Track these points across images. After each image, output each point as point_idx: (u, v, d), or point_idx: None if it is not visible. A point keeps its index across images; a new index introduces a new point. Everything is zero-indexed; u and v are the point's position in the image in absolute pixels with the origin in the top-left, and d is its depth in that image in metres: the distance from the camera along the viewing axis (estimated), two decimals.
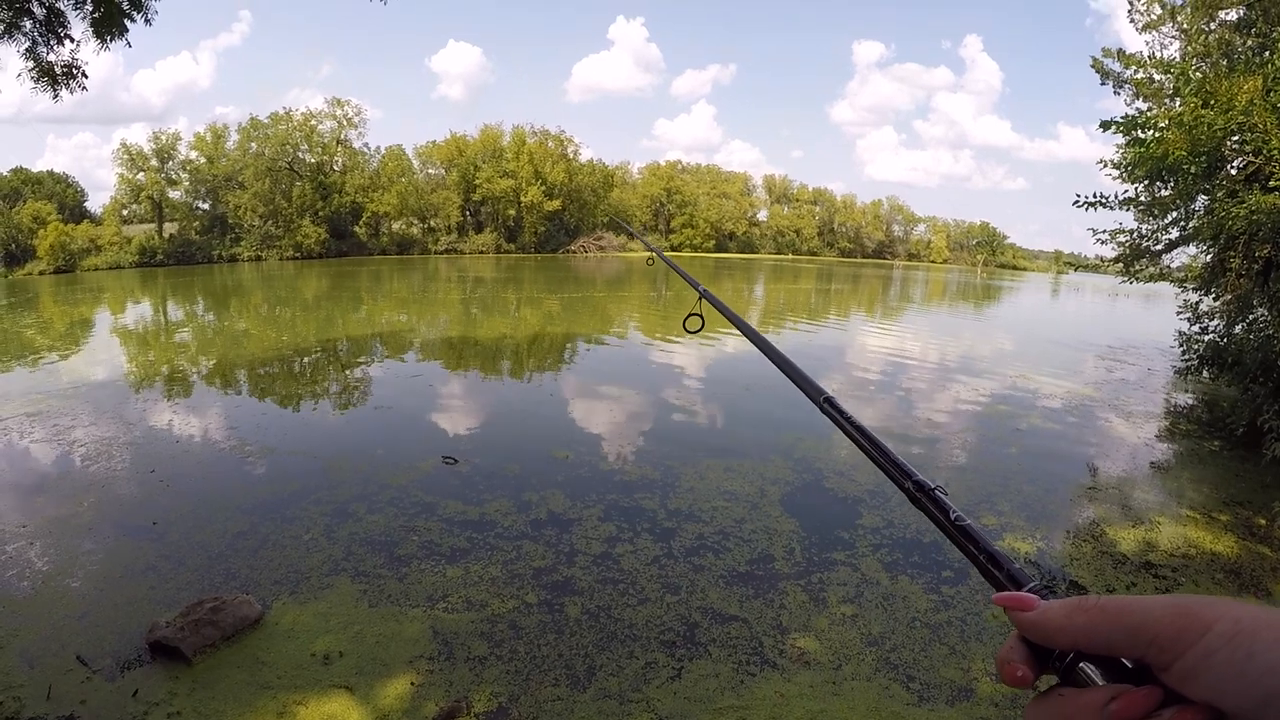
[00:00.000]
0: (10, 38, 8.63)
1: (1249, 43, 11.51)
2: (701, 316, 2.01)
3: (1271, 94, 8.05)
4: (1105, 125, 9.70)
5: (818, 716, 4.32)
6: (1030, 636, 0.54)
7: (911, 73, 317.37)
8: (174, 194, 60.42)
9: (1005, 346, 22.80)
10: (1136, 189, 11.37)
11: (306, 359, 15.80)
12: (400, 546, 6.32)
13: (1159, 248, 13.25)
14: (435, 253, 69.85)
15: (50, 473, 8.22)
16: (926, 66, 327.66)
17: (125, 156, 58.14)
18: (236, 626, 4.87)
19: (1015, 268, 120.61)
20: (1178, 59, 11.78)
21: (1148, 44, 13.61)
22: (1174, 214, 11.88)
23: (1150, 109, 11.37)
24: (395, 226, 71.32)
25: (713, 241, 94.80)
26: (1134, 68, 12.16)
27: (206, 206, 62.41)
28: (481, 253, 71.25)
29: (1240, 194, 8.84)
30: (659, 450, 9.44)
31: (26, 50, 8.86)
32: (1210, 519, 7.71)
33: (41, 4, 8.74)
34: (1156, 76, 11.89)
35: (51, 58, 9.06)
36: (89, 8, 8.72)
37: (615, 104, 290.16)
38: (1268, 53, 9.12)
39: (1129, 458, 10.14)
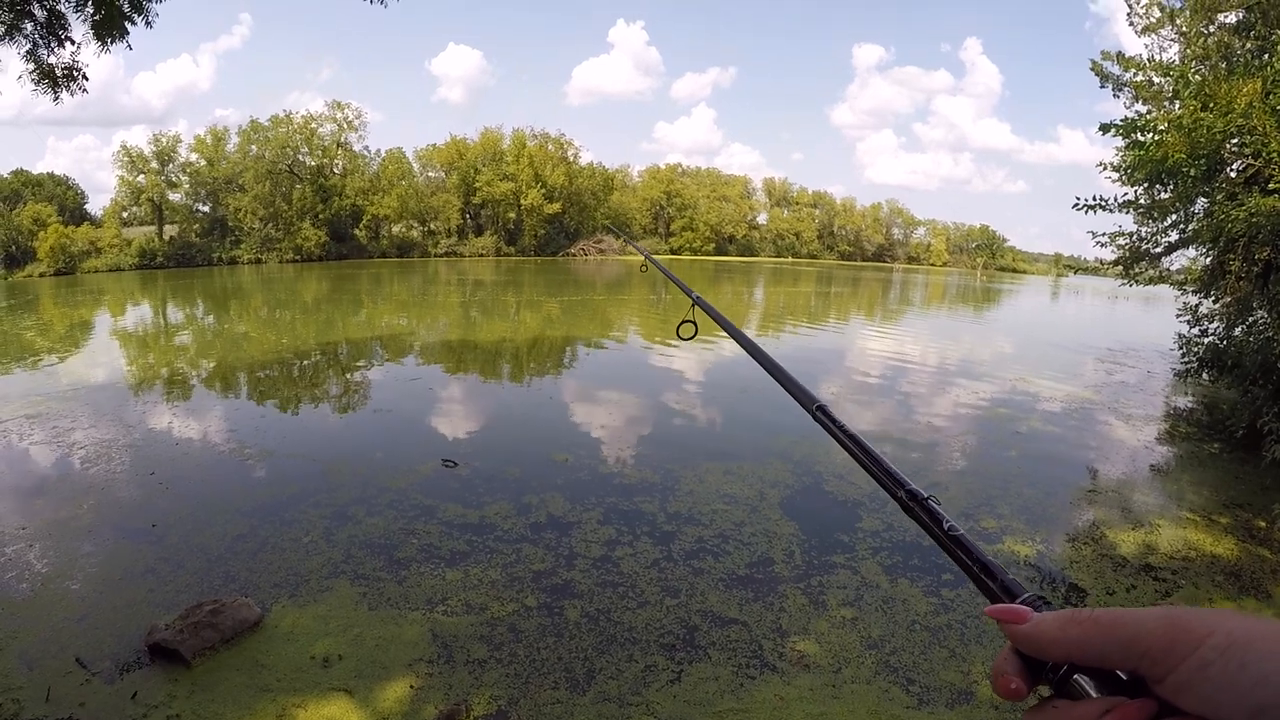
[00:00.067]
0: (11, 40, 8.64)
1: (1248, 45, 11.52)
2: (695, 323, 2.00)
3: (1271, 97, 8.06)
4: (1105, 128, 9.71)
5: None
6: (1024, 649, 0.54)
7: (911, 76, 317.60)
8: (174, 196, 60.49)
9: (1005, 349, 22.80)
10: (1136, 192, 11.38)
11: (306, 362, 15.80)
12: (400, 549, 6.32)
13: (1158, 250, 13.24)
14: (435, 256, 69.93)
15: (50, 475, 8.22)
16: (926, 69, 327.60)
17: (125, 159, 58.22)
18: (236, 629, 4.86)
19: (1015, 271, 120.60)
20: (1177, 62, 11.80)
21: (1147, 47, 13.60)
22: (1173, 217, 11.88)
23: (1150, 112, 11.36)
24: (395, 229, 71.40)
25: (713, 245, 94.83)
26: (1133, 70, 12.18)
27: (206, 209, 62.48)
28: (481, 256, 71.31)
29: (1240, 196, 8.85)
30: (658, 453, 9.44)
31: (27, 52, 8.86)
32: (1210, 521, 7.70)
33: (42, 6, 8.75)
34: (1156, 79, 11.91)
35: (52, 60, 9.07)
36: (89, 10, 8.71)
37: (615, 107, 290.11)
38: (1267, 55, 9.14)
39: (1129, 460, 10.14)
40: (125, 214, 60.90)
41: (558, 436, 10.14)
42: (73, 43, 9.06)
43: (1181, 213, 11.59)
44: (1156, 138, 9.26)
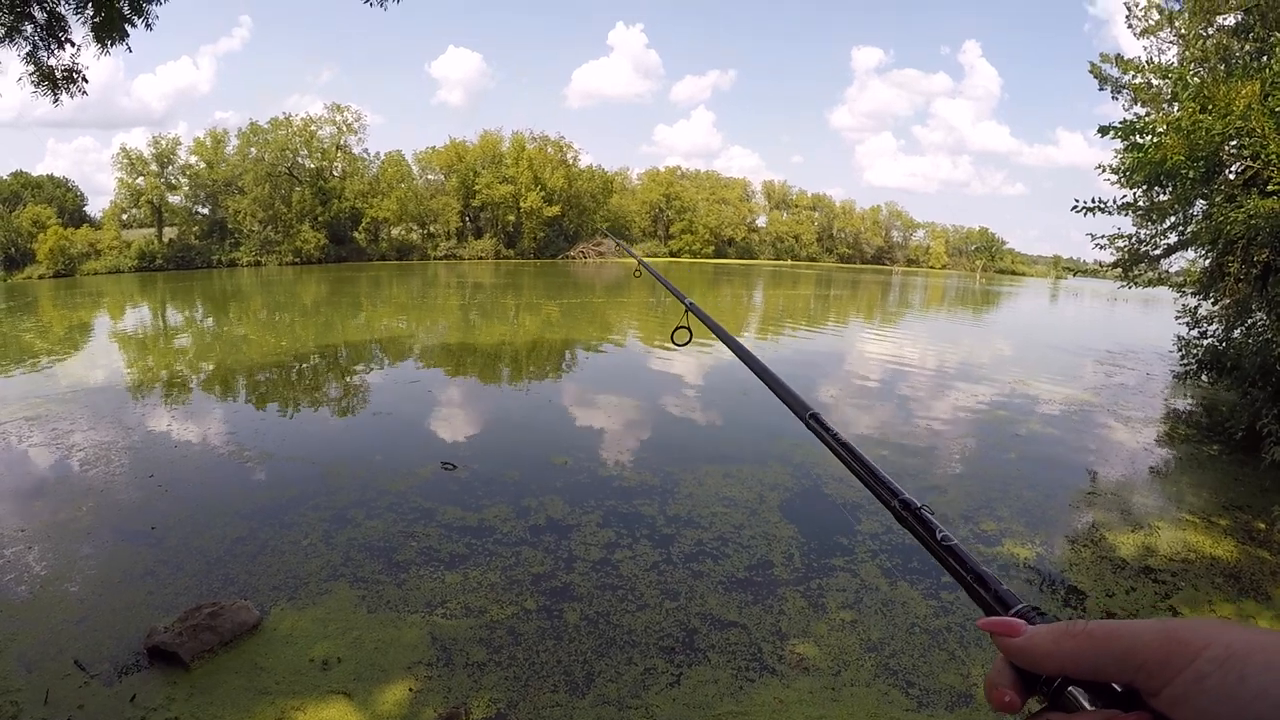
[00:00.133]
0: (11, 42, 8.65)
1: (1247, 48, 11.54)
2: (689, 329, 2.01)
3: (1269, 98, 8.06)
4: (1103, 130, 9.71)
5: None
6: (1017, 662, 0.54)
7: (910, 78, 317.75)
8: (173, 199, 60.55)
9: (1004, 352, 22.80)
10: (1135, 194, 11.38)
11: (305, 365, 15.80)
12: (399, 552, 6.31)
13: (1157, 252, 13.24)
14: (435, 258, 69.96)
15: (49, 477, 8.21)
16: (925, 72, 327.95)
17: (125, 161, 58.31)
18: (235, 632, 4.85)
19: (1014, 273, 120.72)
20: (1176, 64, 11.81)
21: (1146, 49, 13.59)
22: (1172, 219, 11.88)
23: (1148, 114, 11.37)
24: (395, 232, 71.48)
25: (712, 247, 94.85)
26: (1132, 73, 12.17)
27: (206, 211, 62.57)
28: (481, 258, 71.37)
29: (1238, 199, 8.85)
30: (657, 456, 9.44)
31: (27, 54, 8.87)
32: (1209, 523, 7.70)
33: (42, 8, 8.76)
34: (1155, 81, 11.90)
35: (52, 62, 9.08)
36: (89, 12, 8.72)
37: (615, 110, 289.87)
38: (1265, 57, 9.15)
39: (1128, 463, 10.14)
40: (125, 216, 60.99)
41: (557, 439, 10.14)
42: (72, 45, 9.09)
43: (1180, 215, 11.59)
44: (1155, 140, 9.26)
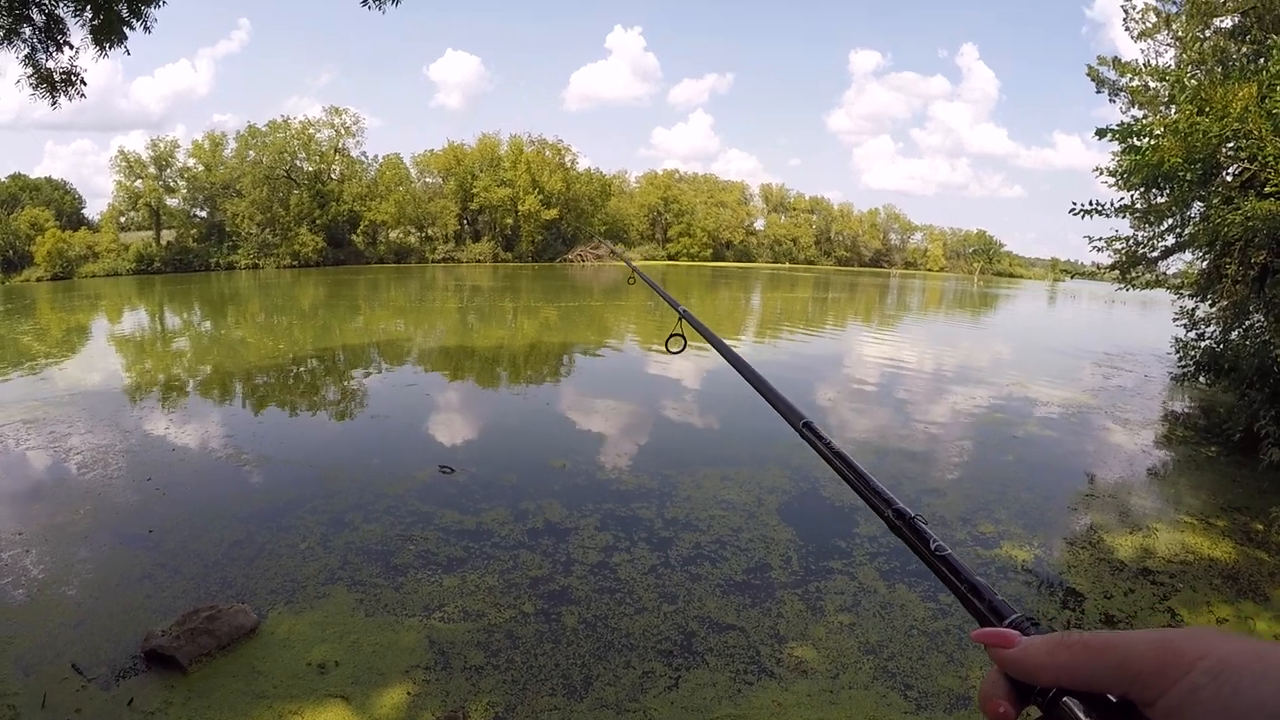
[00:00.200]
0: (9, 44, 8.64)
1: (1244, 50, 11.57)
2: (683, 336, 2.01)
3: (1266, 100, 8.08)
4: (1101, 133, 9.72)
5: None
6: (1012, 674, 0.54)
7: (908, 81, 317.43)
8: (171, 201, 60.64)
9: (1002, 354, 22.82)
10: (1132, 196, 11.39)
11: (303, 368, 15.79)
12: (397, 556, 6.30)
13: (1155, 254, 13.26)
14: (432, 261, 70.00)
15: (46, 480, 8.20)
16: (923, 75, 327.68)
17: (123, 163, 58.37)
18: (232, 635, 4.84)
19: (1012, 275, 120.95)
20: (1173, 66, 11.83)
21: (1143, 52, 13.63)
22: (1170, 221, 11.89)
23: (1146, 116, 11.39)
24: (393, 235, 71.52)
25: (710, 250, 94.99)
26: (1129, 75, 12.20)
27: (204, 214, 62.65)
28: (479, 261, 71.41)
29: (1236, 200, 8.86)
30: (655, 459, 9.43)
31: (26, 57, 8.87)
32: (1207, 525, 7.70)
33: (41, 11, 8.76)
34: (1152, 84, 11.93)
35: (50, 64, 9.07)
36: (88, 15, 8.72)
37: (613, 113, 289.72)
38: (1262, 59, 9.17)
39: (1126, 464, 10.14)
40: (123, 219, 61.02)
41: (555, 443, 10.13)
42: (71, 47, 9.08)
43: (1178, 217, 11.60)
44: (1153, 142, 9.28)
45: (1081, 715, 0.49)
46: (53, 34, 8.90)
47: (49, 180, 66.55)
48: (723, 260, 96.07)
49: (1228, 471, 9.86)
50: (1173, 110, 9.86)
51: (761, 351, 19.61)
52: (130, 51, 9.19)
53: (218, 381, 14.03)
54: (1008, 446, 10.74)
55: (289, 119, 64.80)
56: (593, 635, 5.14)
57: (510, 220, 74.59)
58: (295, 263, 60.14)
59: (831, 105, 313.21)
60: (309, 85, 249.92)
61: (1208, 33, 12.49)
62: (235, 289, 39.93)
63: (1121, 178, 10.82)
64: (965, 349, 23.42)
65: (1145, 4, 13.41)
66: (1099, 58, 13.66)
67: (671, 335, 2.03)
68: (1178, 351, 13.72)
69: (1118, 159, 10.59)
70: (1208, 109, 8.42)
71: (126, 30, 8.99)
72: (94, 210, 69.19)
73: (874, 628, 5.38)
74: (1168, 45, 13.33)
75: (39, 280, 47.68)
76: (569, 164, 79.49)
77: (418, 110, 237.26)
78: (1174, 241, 12.54)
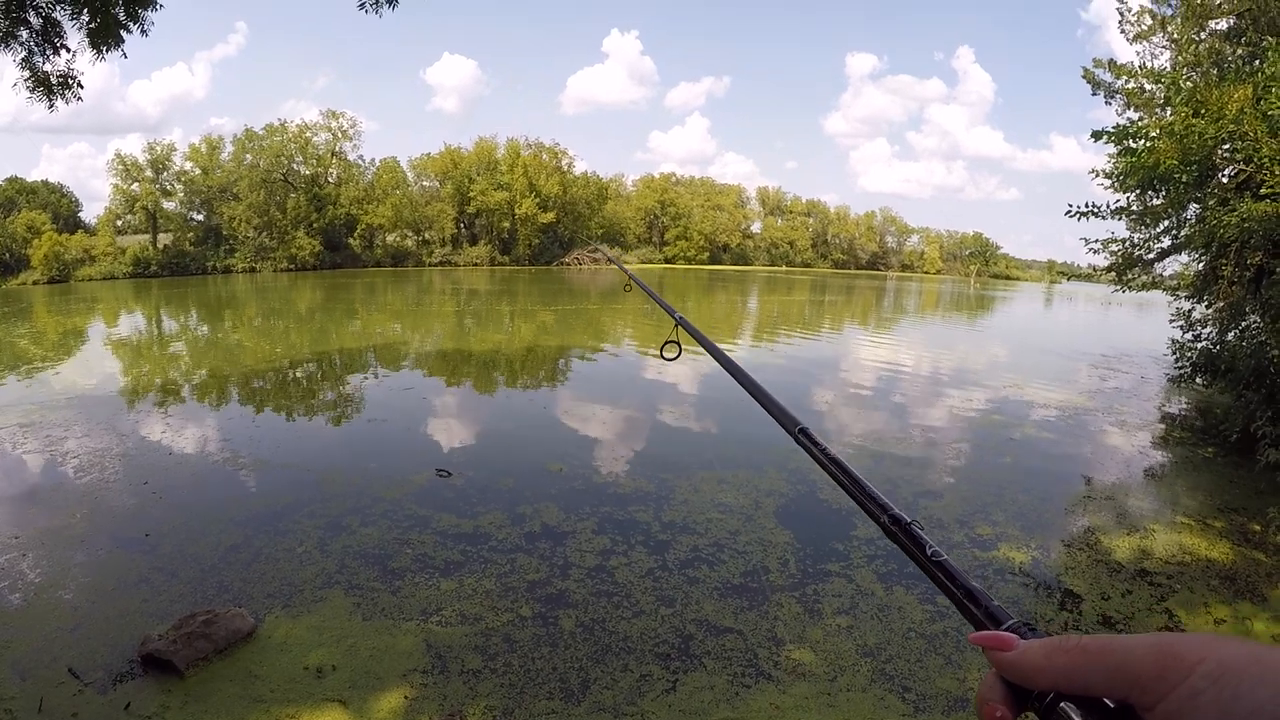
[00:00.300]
0: (6, 47, 8.63)
1: (1239, 52, 11.60)
2: (679, 344, 2.01)
3: (1262, 102, 8.10)
4: (1097, 135, 9.75)
5: None
6: (1009, 677, 0.53)
7: (904, 84, 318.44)
8: (168, 205, 60.54)
9: (999, 356, 22.85)
10: (1128, 198, 11.42)
11: (300, 371, 15.77)
12: (394, 560, 6.29)
13: (1151, 256, 13.29)
14: (429, 265, 69.97)
15: (43, 484, 8.17)
16: (919, 78, 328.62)
17: (120, 167, 58.27)
18: (229, 639, 4.83)
19: (1008, 278, 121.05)
20: (1168, 69, 11.87)
21: (1138, 54, 13.65)
22: (1166, 223, 11.92)
23: (1141, 119, 11.40)
24: (390, 238, 71.46)
25: (707, 253, 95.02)
26: (1125, 78, 12.22)
27: (201, 218, 62.58)
28: (476, 265, 71.41)
29: (1231, 202, 8.88)
30: (653, 462, 9.43)
31: (22, 60, 8.85)
32: (1205, 525, 7.71)
33: (38, 14, 8.75)
34: (1147, 86, 11.95)
35: (47, 68, 9.05)
36: (85, 18, 8.71)
37: (609, 116, 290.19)
38: (1258, 61, 9.19)
39: (1123, 466, 10.15)
40: (119, 222, 60.87)
41: (552, 446, 10.12)
42: (68, 50, 9.06)
43: (1174, 219, 11.63)
44: (1148, 144, 9.30)
45: None
46: (49, 37, 8.89)
47: (45, 183, 66.65)
48: (719, 263, 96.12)
49: (1224, 472, 9.88)
50: (1168, 112, 9.90)
51: (758, 355, 19.62)
52: (127, 55, 9.22)
53: (214, 385, 14.01)
54: (1004, 449, 10.75)
55: (286, 123, 64.89)
56: (590, 638, 5.13)
57: (507, 224, 74.57)
58: (292, 266, 60.06)
59: (828, 108, 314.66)
60: (306, 89, 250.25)
61: (1203, 35, 12.52)
62: (232, 292, 39.88)
63: (1117, 180, 10.85)
64: (962, 351, 23.45)
65: (1141, 6, 13.45)
66: (1095, 60, 13.68)
67: (667, 342, 2.03)
68: (1174, 353, 13.77)
69: (1114, 161, 10.62)
70: (1203, 111, 8.44)
71: (123, 33, 8.98)
72: (91, 214, 69.18)
73: (871, 630, 5.37)
74: (1163, 47, 13.36)
75: (35, 283, 47.55)
76: (566, 167, 79.56)
77: (414, 114, 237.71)
78: (1170, 243, 12.57)
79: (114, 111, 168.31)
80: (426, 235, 73.85)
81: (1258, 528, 7.68)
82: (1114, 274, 13.83)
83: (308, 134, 65.23)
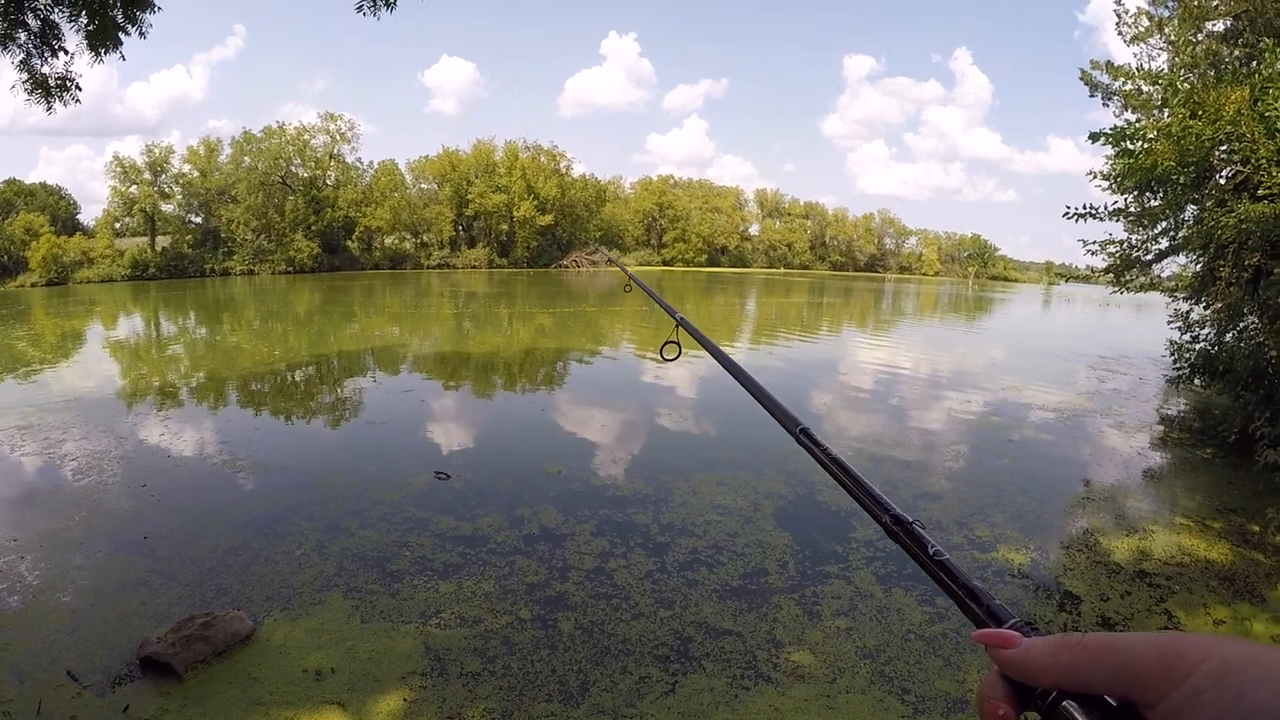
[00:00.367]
0: (4, 49, 8.61)
1: (1236, 53, 11.64)
2: (679, 344, 2.01)
3: (1259, 103, 8.12)
4: (1094, 137, 9.78)
5: None
6: (1012, 675, 0.53)
7: (902, 86, 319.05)
8: (167, 207, 60.47)
9: (997, 358, 22.87)
10: (1126, 200, 11.44)
11: (298, 374, 15.76)
12: (392, 562, 6.28)
13: (1149, 258, 13.31)
14: (428, 267, 69.95)
15: (41, 486, 8.16)
16: (917, 80, 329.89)
17: (118, 169, 58.23)
18: (228, 642, 4.83)
19: (1006, 279, 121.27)
20: (1166, 70, 11.90)
21: (1136, 56, 13.68)
22: (1163, 224, 11.95)
23: (1139, 120, 11.45)
24: (388, 241, 71.41)
25: (705, 256, 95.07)
26: (1122, 79, 12.28)
27: (199, 220, 62.54)
28: (474, 267, 71.38)
29: (1229, 203, 8.90)
30: (652, 464, 9.42)
31: (20, 62, 8.83)
32: (1204, 526, 7.72)
33: (36, 16, 8.74)
34: (1145, 88, 12.00)
35: (45, 70, 9.04)
36: (83, 20, 8.70)
37: (608, 119, 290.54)
38: (1255, 62, 9.21)
39: (1122, 467, 10.16)
40: (118, 224, 60.82)
41: (550, 448, 10.12)
42: (66, 53, 9.04)
43: (1171, 220, 11.66)
44: (1146, 146, 9.32)
45: (1081, 718, 0.49)
46: (48, 39, 8.88)
47: (44, 186, 66.67)
48: (718, 266, 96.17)
49: (1223, 473, 9.88)
50: (1166, 114, 9.91)
51: (756, 358, 19.62)
52: (125, 57, 9.18)
53: (213, 388, 13.99)
54: (1003, 450, 10.75)
55: (284, 125, 64.90)
56: (589, 641, 5.13)
57: (505, 226, 74.56)
58: (290, 269, 60.04)
59: (826, 110, 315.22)
60: (304, 91, 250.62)
61: (1200, 36, 12.56)
62: (230, 295, 39.86)
63: (1115, 181, 10.87)
64: (960, 353, 23.47)
65: (1138, 8, 13.50)
66: (1092, 62, 13.74)
67: (666, 343, 2.02)
68: (1172, 354, 13.78)
69: (1111, 163, 10.64)
70: (1200, 112, 8.46)
71: (122, 36, 8.96)
72: (89, 216, 69.14)
73: (871, 632, 5.37)
74: (1160, 49, 13.41)
75: (34, 286, 47.46)
76: (564, 170, 79.60)
77: (413, 116, 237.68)
78: (1168, 244, 12.60)
79: (112, 114, 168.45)
80: (425, 238, 73.82)
81: (1256, 528, 7.68)
82: (1112, 275, 13.86)
83: (306, 136, 65.25)
